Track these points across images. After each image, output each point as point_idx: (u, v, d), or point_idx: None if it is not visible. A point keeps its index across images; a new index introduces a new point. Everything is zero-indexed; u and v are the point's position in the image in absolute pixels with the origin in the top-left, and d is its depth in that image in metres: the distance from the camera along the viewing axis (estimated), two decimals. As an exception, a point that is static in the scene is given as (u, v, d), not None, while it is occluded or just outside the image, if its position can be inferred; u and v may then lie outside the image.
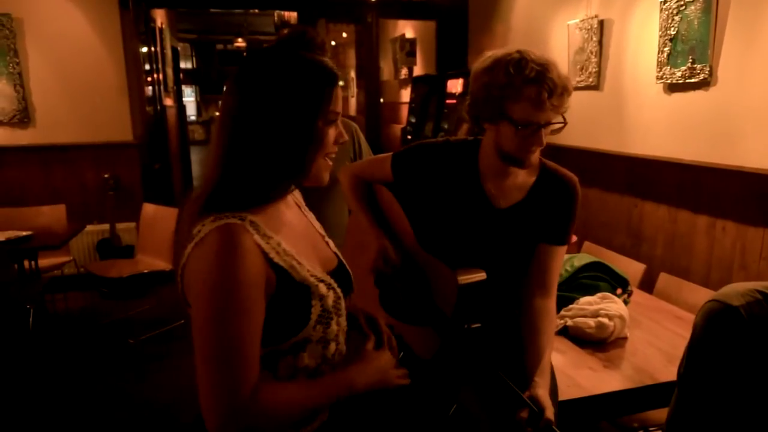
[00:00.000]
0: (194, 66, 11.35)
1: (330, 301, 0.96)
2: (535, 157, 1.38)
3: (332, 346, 0.99)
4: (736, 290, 1.17)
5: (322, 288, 0.96)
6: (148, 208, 3.85)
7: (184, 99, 7.70)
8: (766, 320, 1.09)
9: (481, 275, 1.34)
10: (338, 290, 0.99)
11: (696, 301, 2.10)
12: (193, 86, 11.69)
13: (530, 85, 1.19)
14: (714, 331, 1.13)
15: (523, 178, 1.36)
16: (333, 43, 7.43)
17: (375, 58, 5.08)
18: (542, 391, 1.19)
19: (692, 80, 2.54)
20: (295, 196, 1.11)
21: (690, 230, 2.65)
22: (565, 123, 1.26)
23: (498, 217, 1.36)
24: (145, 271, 3.53)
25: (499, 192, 1.36)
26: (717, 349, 1.10)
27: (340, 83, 0.99)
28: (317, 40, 1.33)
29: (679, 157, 2.68)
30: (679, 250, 2.72)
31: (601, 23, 3.15)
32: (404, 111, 6.26)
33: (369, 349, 1.06)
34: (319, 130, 0.93)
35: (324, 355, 0.98)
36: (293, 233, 0.99)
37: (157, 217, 3.76)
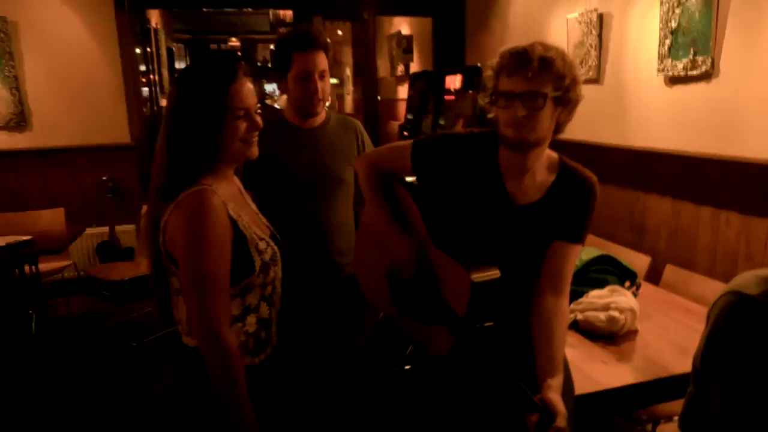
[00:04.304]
0: (189, 66, 11.35)
1: (267, 256, 1.23)
2: (553, 155, 1.37)
3: (269, 288, 1.26)
4: (748, 280, 1.16)
5: (262, 244, 1.22)
6: (148, 210, 3.82)
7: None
8: None
9: (495, 273, 1.33)
10: (275, 246, 1.27)
11: (704, 292, 2.11)
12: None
13: (509, 56, 1.22)
14: (735, 322, 1.12)
15: (543, 176, 1.35)
16: (329, 41, 7.39)
17: (372, 55, 5.06)
18: (554, 394, 1.16)
19: (694, 72, 2.54)
20: (237, 181, 1.34)
21: (694, 222, 2.65)
22: (544, 97, 1.21)
23: (517, 215, 1.35)
24: (147, 273, 3.51)
25: (519, 189, 1.34)
26: (741, 339, 1.10)
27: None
28: (318, 38, 1.78)
29: (681, 149, 2.68)
30: (682, 242, 2.72)
31: (601, 17, 3.15)
32: (401, 108, 6.24)
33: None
34: (228, 123, 1.17)
35: (263, 294, 1.25)
36: (238, 204, 1.26)
37: (158, 218, 3.73)
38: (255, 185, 1.59)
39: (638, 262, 2.36)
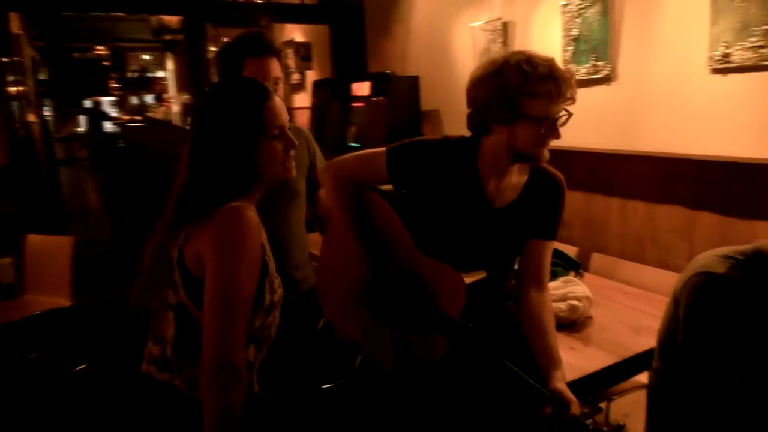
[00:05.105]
0: (49, 77, 10.15)
1: (277, 296, 1.18)
2: None
3: (265, 332, 1.20)
4: (712, 260, 1.29)
5: (276, 282, 1.18)
6: (35, 240, 3.36)
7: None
8: (745, 281, 1.22)
9: (481, 274, 1.36)
10: (282, 289, 1.23)
11: (631, 277, 2.32)
12: (50, 100, 10.42)
13: (546, 80, 1.23)
14: (708, 301, 1.23)
15: (516, 178, 1.39)
16: (213, 49, 7.05)
17: (271, 63, 4.91)
18: (562, 385, 1.20)
19: (596, 76, 2.79)
20: None
21: (604, 212, 2.90)
22: (569, 113, 1.31)
23: (496, 217, 1.38)
24: (40, 311, 3.09)
25: (496, 192, 1.37)
26: (718, 313, 1.21)
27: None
28: (271, 43, 1.72)
29: (589, 146, 2.93)
30: (595, 231, 2.97)
31: (505, 25, 3.34)
32: (298, 116, 6.14)
33: None
34: (264, 144, 1.13)
35: (255, 336, 1.17)
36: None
37: (47, 248, 3.29)
38: None
39: (567, 252, 2.52)
